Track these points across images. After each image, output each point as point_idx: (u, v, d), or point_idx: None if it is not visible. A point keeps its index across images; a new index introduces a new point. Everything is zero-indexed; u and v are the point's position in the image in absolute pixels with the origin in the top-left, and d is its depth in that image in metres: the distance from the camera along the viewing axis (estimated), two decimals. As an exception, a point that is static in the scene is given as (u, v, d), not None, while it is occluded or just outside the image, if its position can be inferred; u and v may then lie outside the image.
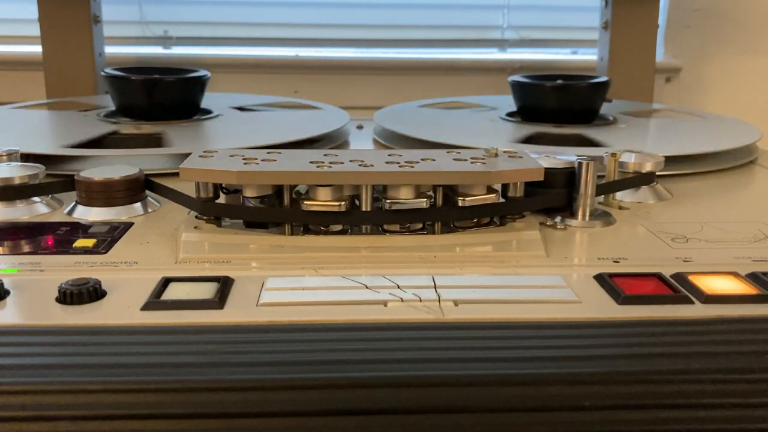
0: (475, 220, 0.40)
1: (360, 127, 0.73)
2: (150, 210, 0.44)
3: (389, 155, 0.41)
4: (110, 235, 0.39)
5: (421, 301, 0.31)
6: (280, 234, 0.38)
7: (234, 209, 0.39)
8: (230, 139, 0.61)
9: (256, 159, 0.39)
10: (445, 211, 0.39)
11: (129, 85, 0.66)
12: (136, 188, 0.44)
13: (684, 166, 0.55)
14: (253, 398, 0.25)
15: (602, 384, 0.26)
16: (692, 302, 0.31)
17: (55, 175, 0.49)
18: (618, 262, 0.36)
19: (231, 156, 0.40)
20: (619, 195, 0.47)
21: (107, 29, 0.88)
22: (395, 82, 0.98)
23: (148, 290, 0.32)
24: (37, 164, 0.45)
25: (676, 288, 0.32)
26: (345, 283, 0.33)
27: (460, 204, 0.38)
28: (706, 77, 1.02)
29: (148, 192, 0.45)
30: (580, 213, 0.42)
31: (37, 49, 0.84)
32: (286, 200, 0.38)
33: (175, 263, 0.36)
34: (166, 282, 0.33)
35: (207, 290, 0.32)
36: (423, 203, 0.38)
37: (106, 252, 0.37)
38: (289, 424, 0.25)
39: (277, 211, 0.39)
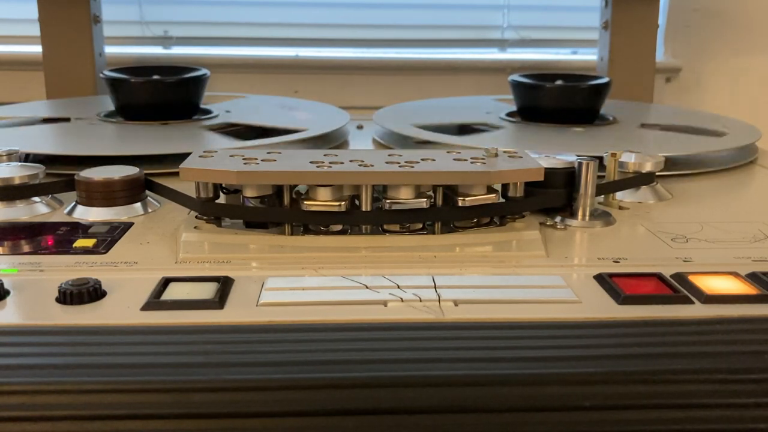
0: (475, 220, 0.40)
1: (360, 127, 0.73)
2: (150, 210, 0.44)
3: (389, 155, 0.41)
4: (110, 235, 0.39)
5: (421, 301, 0.31)
6: (280, 234, 0.38)
7: (234, 209, 0.39)
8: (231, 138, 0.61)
9: (256, 159, 0.39)
10: (445, 211, 0.39)
11: (126, 86, 0.66)
12: (136, 188, 0.44)
13: (684, 166, 0.55)
14: (253, 398, 0.25)
15: (602, 384, 0.26)
16: (692, 302, 0.31)
17: (55, 175, 0.49)
18: (618, 262, 0.36)
19: (231, 156, 0.40)
20: (619, 195, 0.47)
21: (107, 29, 0.88)
22: (395, 82, 0.98)
23: (148, 290, 0.32)
24: (37, 164, 0.45)
25: (676, 288, 0.32)
26: (345, 283, 0.33)
27: (460, 204, 0.38)
28: (706, 77, 1.02)
29: (148, 192, 0.45)
30: (580, 213, 0.42)
31: (37, 49, 0.84)
32: (286, 200, 0.38)
33: (175, 263, 0.36)
34: (166, 282, 0.32)
35: (207, 290, 0.32)
36: (423, 203, 0.38)
37: (106, 252, 0.37)
38: (289, 424, 0.25)
39: (277, 211, 0.39)
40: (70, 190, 0.44)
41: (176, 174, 0.39)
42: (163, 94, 0.66)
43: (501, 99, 0.80)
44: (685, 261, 0.37)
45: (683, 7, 1.00)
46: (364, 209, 0.38)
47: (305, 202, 0.38)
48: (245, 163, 0.38)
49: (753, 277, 0.34)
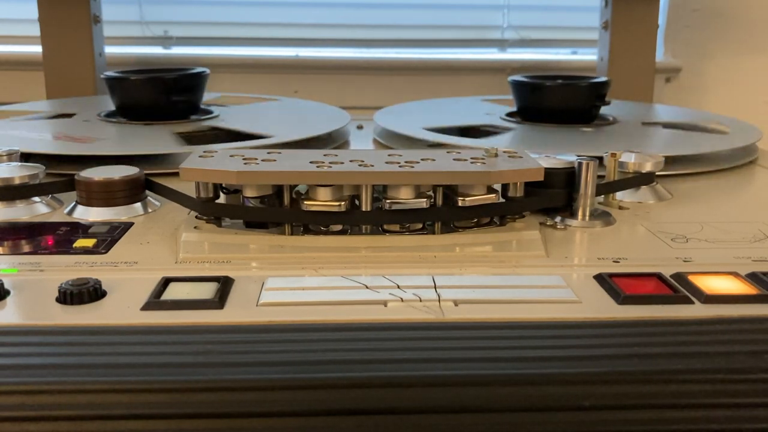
0: (475, 220, 0.40)
1: (360, 127, 0.73)
2: (150, 210, 0.44)
3: (389, 155, 0.41)
4: (110, 235, 0.39)
5: (421, 301, 0.31)
6: (280, 234, 0.38)
7: (234, 209, 0.39)
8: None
9: (256, 159, 0.39)
10: (445, 211, 0.39)
11: (126, 84, 0.66)
12: (136, 188, 0.44)
13: (684, 166, 0.55)
14: (253, 398, 0.25)
15: (602, 384, 0.26)
16: (692, 302, 0.31)
17: (55, 175, 0.49)
18: (618, 262, 0.36)
19: (231, 156, 0.40)
20: (619, 195, 0.47)
21: (107, 29, 0.88)
22: (395, 82, 0.98)
23: (148, 290, 0.32)
24: (37, 164, 0.45)
25: (676, 288, 0.32)
26: (345, 283, 0.33)
27: (460, 204, 0.38)
28: (706, 77, 1.02)
29: (148, 192, 0.45)
30: (580, 213, 0.42)
31: (37, 49, 0.84)
32: (286, 200, 0.38)
33: (175, 263, 0.36)
34: (166, 282, 0.32)
35: (207, 290, 0.32)
36: (423, 203, 0.38)
37: (106, 252, 0.37)
38: (289, 424, 0.25)
39: (277, 211, 0.39)
40: (70, 190, 0.44)
41: (176, 174, 0.39)
42: (163, 92, 0.66)
43: (496, 99, 0.80)
44: (685, 261, 0.37)
45: (683, 7, 1.00)
46: (364, 209, 0.38)
47: (305, 202, 0.38)
48: (245, 163, 0.38)
49: (753, 277, 0.34)
